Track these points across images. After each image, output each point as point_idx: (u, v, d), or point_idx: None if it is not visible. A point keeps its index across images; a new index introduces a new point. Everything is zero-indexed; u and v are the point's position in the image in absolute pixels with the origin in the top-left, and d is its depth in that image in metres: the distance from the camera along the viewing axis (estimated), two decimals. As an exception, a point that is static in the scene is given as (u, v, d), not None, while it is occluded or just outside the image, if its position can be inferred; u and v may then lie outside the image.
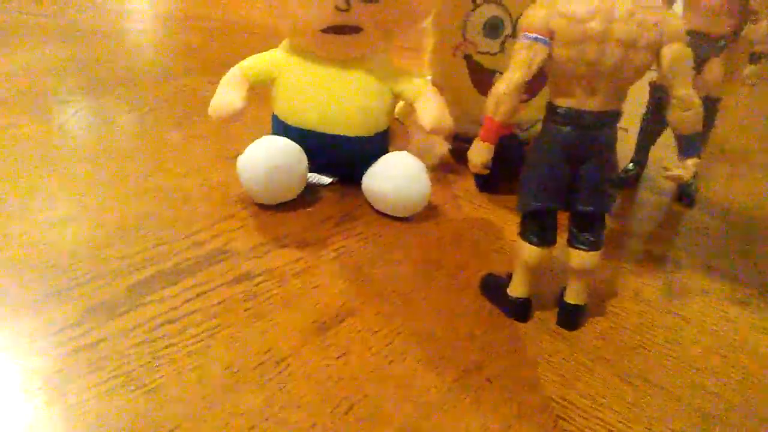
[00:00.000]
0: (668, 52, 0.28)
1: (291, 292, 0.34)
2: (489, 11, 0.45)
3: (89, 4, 0.89)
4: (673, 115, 0.30)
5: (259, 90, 0.43)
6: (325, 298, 0.34)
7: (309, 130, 0.42)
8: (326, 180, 0.45)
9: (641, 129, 0.51)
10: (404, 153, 0.42)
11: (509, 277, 0.34)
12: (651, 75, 0.31)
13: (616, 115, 0.30)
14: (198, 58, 0.70)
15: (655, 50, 0.28)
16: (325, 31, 0.39)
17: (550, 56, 0.28)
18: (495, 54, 0.47)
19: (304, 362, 0.29)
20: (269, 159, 0.40)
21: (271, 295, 0.33)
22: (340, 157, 0.43)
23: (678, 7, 0.47)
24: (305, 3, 0.38)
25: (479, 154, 0.30)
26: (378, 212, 0.42)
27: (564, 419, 0.28)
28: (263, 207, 0.41)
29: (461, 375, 0.29)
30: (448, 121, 0.41)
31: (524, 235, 0.32)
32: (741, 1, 0.44)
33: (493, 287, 0.35)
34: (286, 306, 0.33)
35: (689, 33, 0.44)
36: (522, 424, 0.27)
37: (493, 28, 0.46)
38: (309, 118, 0.42)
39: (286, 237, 0.39)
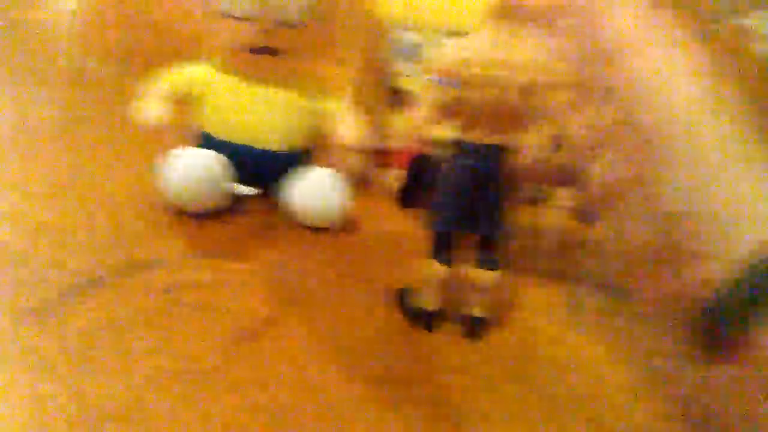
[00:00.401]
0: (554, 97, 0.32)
1: (212, 303, 0.36)
2: (408, 36, 0.48)
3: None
4: None
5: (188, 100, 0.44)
6: (246, 309, 0.36)
7: (233, 144, 0.44)
8: (250, 191, 0.46)
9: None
10: (320, 168, 0.44)
11: (420, 290, 0.37)
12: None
13: (509, 149, 0.34)
14: (125, 56, 0.70)
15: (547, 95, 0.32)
16: (246, 51, 0.41)
17: (457, 97, 0.31)
18: (411, 77, 0.49)
19: (225, 372, 0.31)
20: (191, 168, 0.41)
21: (192, 305, 0.35)
22: (263, 171, 0.45)
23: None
24: (229, 23, 0.40)
25: (395, 177, 0.33)
26: (299, 225, 0.45)
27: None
28: (188, 215, 0.43)
29: (375, 384, 0.32)
30: (362, 137, 0.44)
31: (432, 252, 0.35)
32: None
33: (406, 299, 0.38)
34: (208, 316, 0.34)
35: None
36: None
37: (411, 53, 0.49)
38: (233, 132, 0.44)
39: (209, 247, 0.41)
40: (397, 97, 0.50)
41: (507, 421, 0.31)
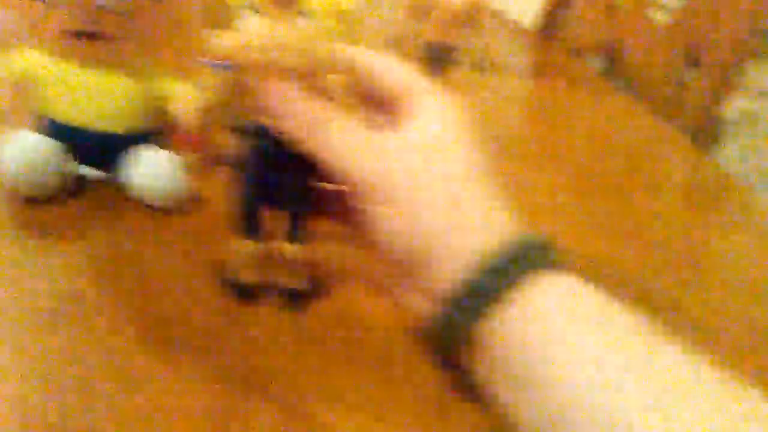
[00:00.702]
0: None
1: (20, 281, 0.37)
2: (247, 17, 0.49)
3: None
4: None
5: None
6: (57, 287, 0.37)
7: (74, 127, 0.44)
8: (93, 173, 0.47)
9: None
10: (156, 148, 0.45)
11: (237, 265, 0.39)
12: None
13: None
14: None
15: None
16: (76, 35, 0.41)
17: (235, 81, 0.32)
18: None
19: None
20: (22, 152, 0.42)
21: None
22: (105, 154, 0.46)
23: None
24: (51, 10, 0.40)
25: (197, 163, 0.35)
26: (140, 207, 0.46)
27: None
28: (26, 199, 0.44)
29: (179, 352, 0.34)
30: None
31: (240, 229, 0.37)
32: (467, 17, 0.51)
33: (226, 274, 0.39)
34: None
35: (426, 43, 0.51)
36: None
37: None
38: (71, 116, 0.44)
39: (39, 227, 0.42)
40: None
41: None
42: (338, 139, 0.30)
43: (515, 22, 1.24)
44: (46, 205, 0.44)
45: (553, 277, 0.28)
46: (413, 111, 0.32)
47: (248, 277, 0.38)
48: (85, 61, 0.43)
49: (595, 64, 1.10)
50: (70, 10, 0.40)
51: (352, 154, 0.30)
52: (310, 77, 0.32)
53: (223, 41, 0.31)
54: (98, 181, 0.47)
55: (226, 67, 0.32)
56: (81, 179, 0.47)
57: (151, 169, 0.45)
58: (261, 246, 0.37)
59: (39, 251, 0.40)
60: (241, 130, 0.35)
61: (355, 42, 0.52)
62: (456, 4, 0.50)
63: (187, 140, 0.33)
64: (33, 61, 0.44)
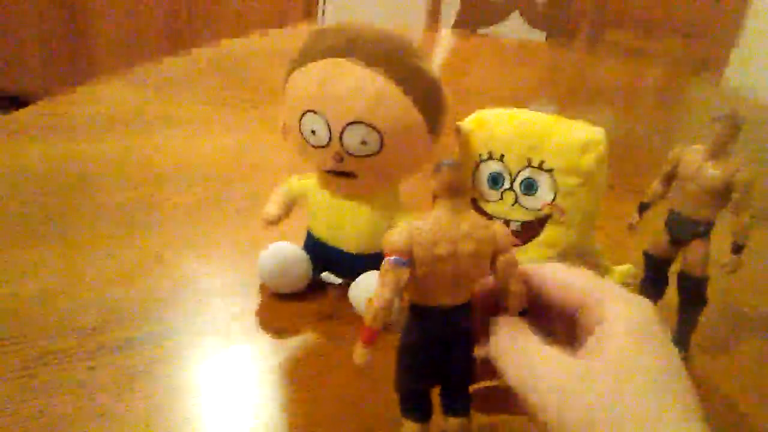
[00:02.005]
0: (502, 259, 0.34)
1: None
2: (491, 166, 0.52)
3: None
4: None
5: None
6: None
7: (325, 244, 0.54)
8: (337, 280, 0.56)
9: (638, 293, 0.53)
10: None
11: None
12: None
13: (468, 304, 0.36)
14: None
15: (491, 258, 0.34)
16: (328, 172, 0.50)
17: (412, 272, 0.33)
18: (494, 202, 0.53)
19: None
20: (275, 257, 0.53)
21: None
22: (343, 266, 0.54)
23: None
24: (310, 150, 0.50)
25: (362, 356, 0.34)
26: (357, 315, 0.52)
27: None
28: (277, 294, 0.55)
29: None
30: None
31: (405, 412, 0.38)
32: (723, 194, 0.46)
33: None
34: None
35: (673, 214, 0.47)
36: None
37: (495, 182, 0.53)
38: (323, 232, 0.54)
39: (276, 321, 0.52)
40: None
41: None
42: (524, 359, 0.31)
43: None
44: (290, 300, 0.54)
45: None
46: (599, 321, 0.30)
47: None
48: (337, 192, 0.52)
49: None
50: (326, 152, 0.49)
51: (534, 380, 0.30)
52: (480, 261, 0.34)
53: (398, 237, 0.33)
54: (335, 286, 0.56)
55: (402, 263, 0.33)
56: (323, 284, 0.56)
57: (366, 286, 0.51)
58: (424, 427, 0.38)
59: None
60: (415, 313, 0.36)
61: (595, 202, 0.52)
62: (711, 179, 0.46)
63: (371, 336, 0.33)
64: (305, 186, 0.55)
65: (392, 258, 0.33)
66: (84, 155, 0.76)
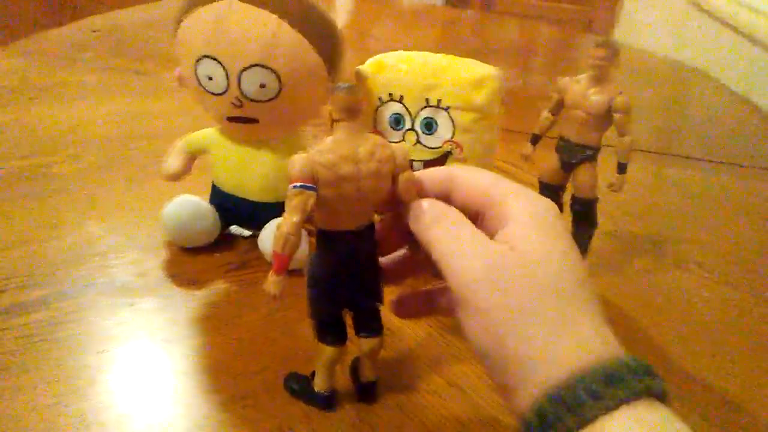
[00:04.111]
0: (402, 177, 0.35)
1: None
2: (391, 108, 0.53)
3: None
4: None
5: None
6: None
7: (228, 194, 0.54)
8: (246, 232, 0.56)
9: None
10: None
11: (312, 375, 0.40)
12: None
13: (372, 226, 0.37)
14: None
15: (392, 176, 0.35)
16: (229, 119, 0.50)
17: (318, 196, 0.34)
18: (398, 143, 0.54)
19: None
20: (180, 210, 0.52)
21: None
22: (251, 217, 0.54)
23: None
24: (208, 98, 0.49)
25: (275, 284, 0.34)
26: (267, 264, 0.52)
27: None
28: (183, 249, 0.54)
29: None
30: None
31: (321, 338, 0.39)
32: (606, 117, 0.49)
33: (299, 385, 0.41)
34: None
35: (562, 140, 0.50)
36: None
37: (396, 122, 0.54)
38: (228, 183, 0.53)
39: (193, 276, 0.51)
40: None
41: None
42: (452, 236, 0.32)
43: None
44: (197, 254, 0.53)
45: (642, 412, 0.26)
46: (503, 217, 0.32)
47: (329, 386, 0.40)
48: (239, 140, 0.52)
49: None
50: (224, 99, 0.48)
51: (461, 257, 0.31)
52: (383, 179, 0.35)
53: (300, 163, 0.33)
54: (243, 238, 0.55)
55: (308, 187, 0.33)
56: (231, 236, 0.55)
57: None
58: (341, 349, 0.39)
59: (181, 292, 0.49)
60: (322, 238, 0.37)
61: (491, 137, 0.54)
62: (595, 104, 0.49)
63: (282, 263, 0.33)
64: (207, 137, 0.54)
65: (297, 183, 0.33)
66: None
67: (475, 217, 0.34)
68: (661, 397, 0.27)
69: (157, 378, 0.42)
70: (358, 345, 0.39)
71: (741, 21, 1.56)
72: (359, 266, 0.37)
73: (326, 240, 0.36)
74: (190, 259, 0.53)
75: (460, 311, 0.31)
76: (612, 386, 0.26)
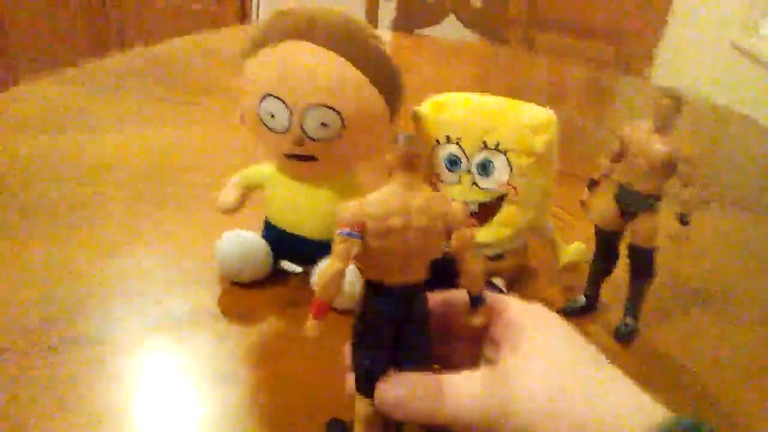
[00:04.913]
0: (456, 235, 0.34)
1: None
2: (448, 149, 0.53)
3: None
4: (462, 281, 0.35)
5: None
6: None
7: (281, 229, 0.54)
8: (297, 269, 0.56)
9: (591, 267, 0.55)
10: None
11: (351, 422, 0.38)
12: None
13: (425, 285, 0.36)
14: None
15: (446, 233, 0.34)
16: (288, 156, 0.50)
17: (364, 245, 0.33)
18: (451, 184, 0.54)
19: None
20: (234, 244, 0.52)
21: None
22: (304, 254, 0.54)
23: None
24: (269, 135, 0.50)
25: (313, 328, 0.34)
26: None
27: None
28: (234, 284, 0.54)
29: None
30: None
31: (358, 387, 0.36)
32: (668, 167, 0.48)
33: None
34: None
35: (622, 187, 0.49)
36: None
37: (452, 164, 0.54)
38: (282, 219, 0.54)
39: (234, 310, 0.51)
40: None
41: None
42: (460, 398, 0.31)
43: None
44: (248, 289, 0.53)
45: None
46: (520, 337, 0.32)
47: None
48: (297, 177, 0.52)
49: None
50: (285, 137, 0.49)
51: (477, 407, 0.31)
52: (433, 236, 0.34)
53: (349, 209, 0.33)
54: (294, 275, 0.55)
55: (354, 236, 0.33)
56: (284, 272, 0.56)
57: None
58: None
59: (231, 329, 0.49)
60: (371, 291, 0.35)
61: (548, 182, 0.53)
62: (657, 153, 0.48)
63: (322, 309, 0.33)
64: (263, 173, 0.54)
65: (344, 230, 0.33)
66: (18, 153, 0.73)
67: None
68: None
69: (206, 414, 0.41)
70: None
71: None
72: (405, 322, 0.35)
73: (371, 291, 0.35)
74: (241, 294, 0.53)
75: None
76: None
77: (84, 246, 0.57)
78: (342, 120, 0.47)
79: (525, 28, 1.65)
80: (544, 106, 0.53)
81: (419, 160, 0.34)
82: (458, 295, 0.36)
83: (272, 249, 0.55)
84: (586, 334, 0.53)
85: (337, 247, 0.33)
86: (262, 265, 0.54)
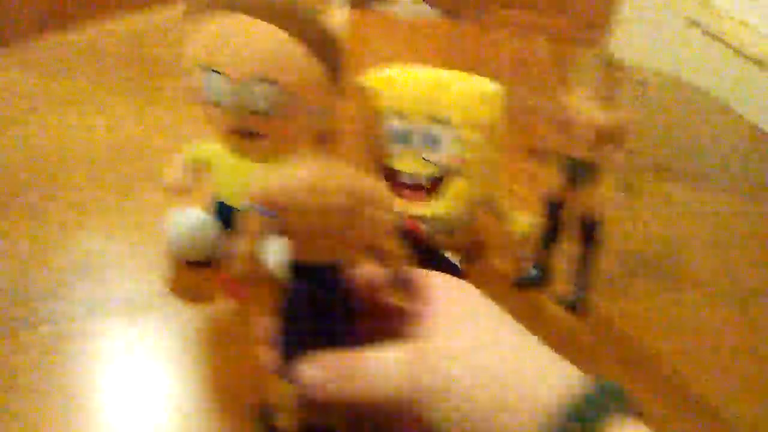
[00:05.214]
0: (376, 215, 0.32)
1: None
2: (397, 123, 0.53)
3: None
4: None
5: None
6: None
7: (230, 206, 0.53)
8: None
9: (539, 239, 0.56)
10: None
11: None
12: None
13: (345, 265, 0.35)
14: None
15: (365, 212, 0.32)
16: (232, 132, 0.49)
17: (279, 223, 0.32)
18: (401, 158, 0.54)
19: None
20: (183, 223, 0.52)
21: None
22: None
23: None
24: (212, 111, 0.49)
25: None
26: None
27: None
28: (185, 263, 0.53)
29: None
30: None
31: (281, 372, 0.35)
32: (610, 134, 0.49)
33: (265, 417, 0.38)
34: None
35: (567, 158, 0.50)
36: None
37: (401, 138, 0.53)
38: (230, 197, 0.53)
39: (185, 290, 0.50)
40: (389, 175, 0.55)
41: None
42: (378, 374, 0.31)
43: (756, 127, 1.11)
44: (199, 268, 0.52)
45: (626, 427, 0.27)
46: (441, 312, 0.32)
47: (287, 425, 0.36)
48: (242, 154, 0.51)
49: None
50: (231, 112, 0.48)
51: (393, 385, 0.30)
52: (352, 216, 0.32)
53: (264, 186, 0.32)
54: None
55: (268, 214, 0.32)
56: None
57: (276, 246, 0.50)
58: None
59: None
60: (291, 271, 0.34)
61: (497, 154, 0.54)
62: (599, 121, 0.48)
63: (228, 285, 0.33)
64: (209, 150, 0.53)
65: (256, 207, 0.32)
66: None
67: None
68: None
69: (157, 395, 0.41)
70: None
71: (741, 40, 1.57)
72: (328, 306, 0.34)
73: (292, 271, 0.34)
74: (192, 273, 0.52)
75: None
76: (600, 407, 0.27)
77: (33, 230, 0.56)
78: (283, 93, 0.47)
79: (482, 3, 1.65)
80: (502, 80, 0.53)
81: (334, 136, 0.34)
82: (379, 273, 0.35)
83: (222, 227, 0.54)
84: (538, 305, 0.55)
85: (248, 225, 0.32)
86: (213, 243, 0.53)
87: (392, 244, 0.34)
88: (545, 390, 0.28)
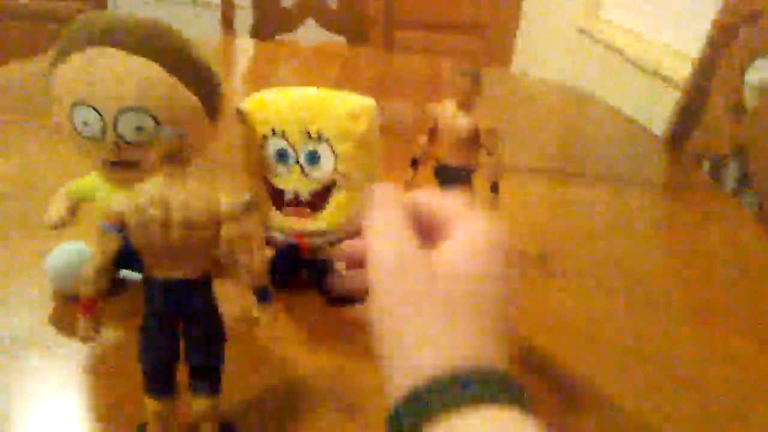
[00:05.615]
0: (225, 231, 0.35)
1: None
2: (276, 142, 0.55)
3: None
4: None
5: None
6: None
7: (116, 238, 0.53)
8: (137, 277, 0.55)
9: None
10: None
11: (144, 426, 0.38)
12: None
13: (205, 281, 0.36)
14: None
15: (214, 228, 0.35)
16: (110, 164, 0.50)
17: (130, 239, 0.33)
18: (283, 177, 0.55)
19: None
20: (64, 259, 0.52)
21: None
22: (141, 262, 0.53)
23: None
24: (86, 144, 0.49)
25: (84, 329, 0.34)
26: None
27: None
28: (72, 298, 0.52)
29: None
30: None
31: (145, 388, 0.36)
32: (474, 140, 0.52)
33: None
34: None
35: (438, 164, 0.53)
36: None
37: (281, 157, 0.55)
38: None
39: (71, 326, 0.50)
40: (275, 194, 0.56)
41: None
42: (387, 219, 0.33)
43: (646, 130, 1.19)
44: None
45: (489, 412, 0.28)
46: (447, 236, 0.33)
47: None
48: (122, 184, 0.52)
49: (730, 172, 1.00)
50: (107, 146, 0.48)
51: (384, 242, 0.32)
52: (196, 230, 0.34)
53: (112, 204, 0.34)
54: (135, 283, 0.55)
55: (118, 230, 0.33)
56: (122, 281, 0.55)
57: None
58: (169, 404, 0.36)
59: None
60: (148, 285, 0.35)
61: (372, 165, 0.56)
62: (460, 127, 0.52)
63: (82, 303, 0.34)
64: (86, 184, 0.53)
65: (104, 223, 0.33)
66: None
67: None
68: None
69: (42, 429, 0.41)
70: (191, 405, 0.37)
71: (627, 47, 1.67)
72: (186, 318, 0.35)
73: (147, 285, 0.35)
74: (74, 308, 0.52)
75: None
76: (460, 390, 0.28)
77: None
78: (156, 122, 0.48)
79: (385, 27, 1.70)
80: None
81: (183, 155, 0.34)
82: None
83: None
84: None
85: (97, 241, 0.33)
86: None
87: (250, 258, 0.35)
88: (429, 356, 0.29)
